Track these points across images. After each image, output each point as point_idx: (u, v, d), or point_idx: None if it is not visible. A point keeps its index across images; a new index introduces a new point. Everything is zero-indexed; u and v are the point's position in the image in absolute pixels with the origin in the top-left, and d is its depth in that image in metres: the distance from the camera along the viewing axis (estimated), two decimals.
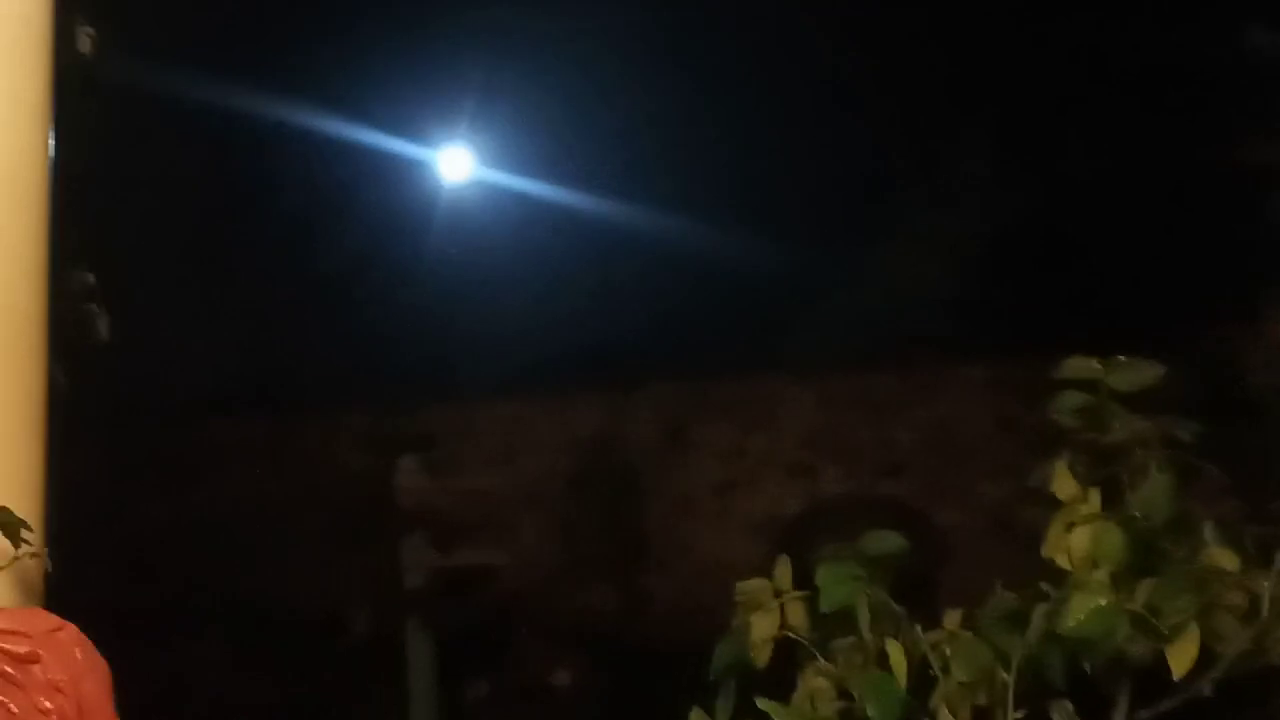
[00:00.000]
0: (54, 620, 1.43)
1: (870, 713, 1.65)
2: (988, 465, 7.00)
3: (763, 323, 7.76)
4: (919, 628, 1.84)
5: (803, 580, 1.87)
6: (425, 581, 6.68)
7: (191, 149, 6.30)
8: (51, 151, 1.79)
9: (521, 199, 8.12)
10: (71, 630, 1.42)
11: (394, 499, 6.93)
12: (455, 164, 8.26)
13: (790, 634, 1.79)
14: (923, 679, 1.82)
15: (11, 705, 1.35)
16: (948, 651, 1.82)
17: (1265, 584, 1.60)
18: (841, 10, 6.96)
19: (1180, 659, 1.63)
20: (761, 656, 1.77)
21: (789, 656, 1.82)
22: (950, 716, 1.79)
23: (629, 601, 7.79)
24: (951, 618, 1.86)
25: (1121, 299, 6.51)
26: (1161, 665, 1.66)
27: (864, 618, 1.71)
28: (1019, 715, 1.79)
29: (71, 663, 1.39)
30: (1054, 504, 1.79)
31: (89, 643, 1.44)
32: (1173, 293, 6.35)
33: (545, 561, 7.70)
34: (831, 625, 1.79)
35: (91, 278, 1.98)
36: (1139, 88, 6.49)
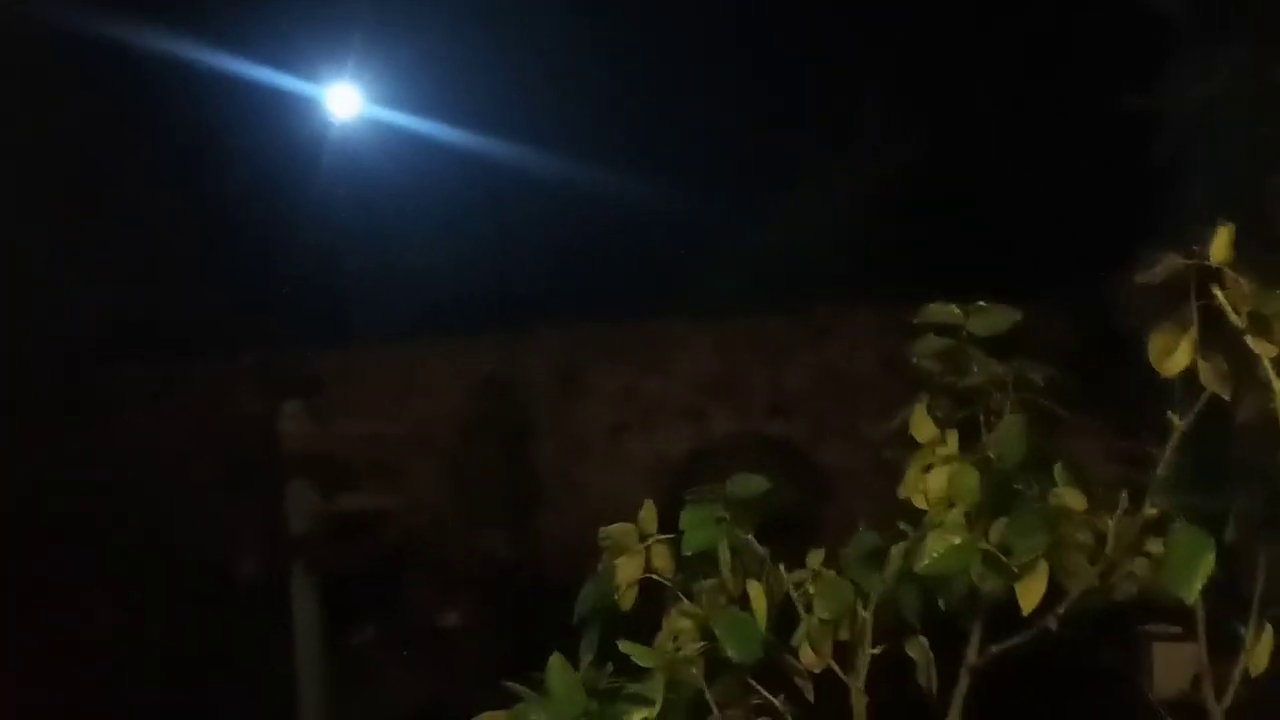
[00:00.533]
0: None
1: (730, 652, 1.67)
2: (873, 406, 7.11)
3: (657, 266, 7.77)
4: (782, 567, 1.86)
5: (672, 524, 1.88)
6: (314, 526, 6.60)
7: (70, 85, 6.05)
8: None
9: (413, 138, 7.97)
10: None
11: (282, 443, 6.82)
12: (344, 101, 8.07)
13: (655, 576, 1.79)
14: (789, 618, 1.84)
15: None
16: (810, 590, 1.84)
17: (1110, 522, 1.65)
18: None
19: (1029, 595, 1.67)
20: (626, 599, 1.78)
21: (656, 600, 1.83)
22: (811, 653, 1.82)
23: (521, 544, 7.80)
24: (814, 557, 1.88)
25: (1009, 242, 6.64)
26: (1012, 601, 1.71)
27: (725, 560, 1.73)
28: (876, 651, 1.82)
29: None
30: (913, 445, 1.81)
31: None
32: (1055, 236, 6.49)
33: (437, 505, 7.68)
34: (695, 568, 1.80)
35: None
36: (1025, 33, 6.58)
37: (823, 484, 7.33)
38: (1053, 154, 6.66)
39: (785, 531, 1.94)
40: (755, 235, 7.68)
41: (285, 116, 7.85)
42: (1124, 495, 1.64)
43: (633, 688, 1.60)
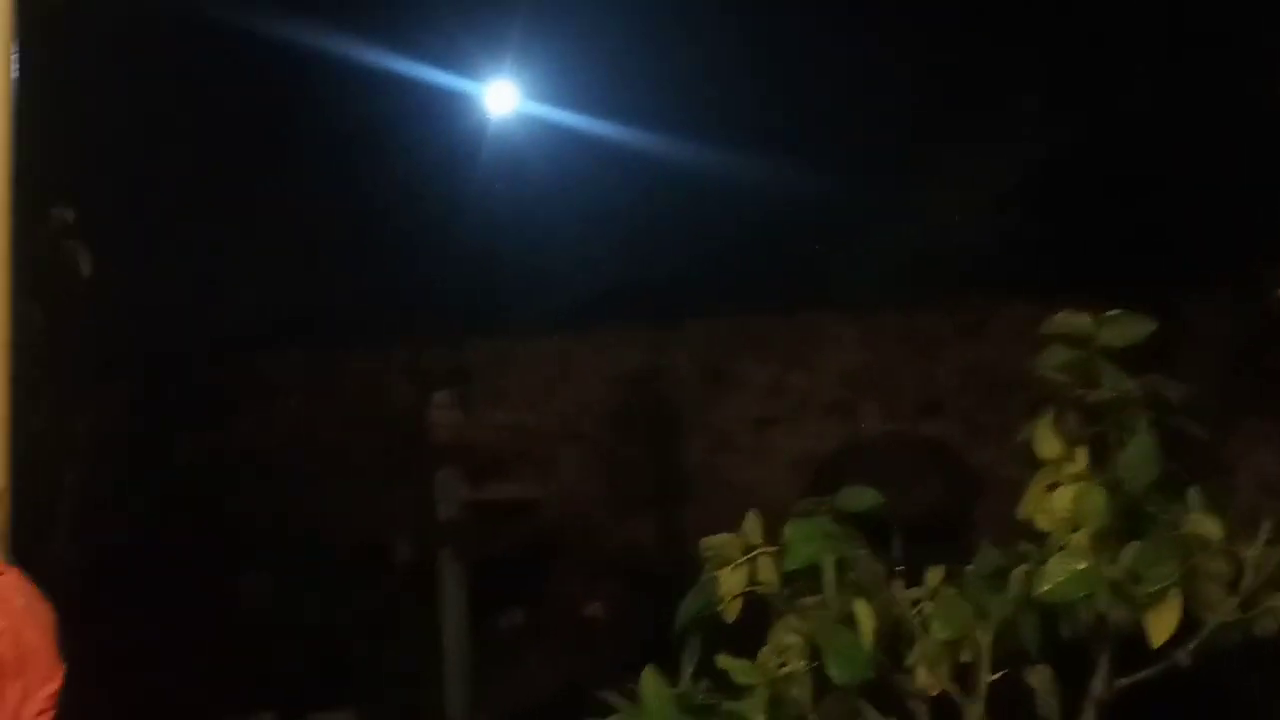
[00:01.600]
0: None
1: (830, 671, 1.61)
2: (1028, 405, 6.87)
3: (806, 259, 7.65)
4: (899, 584, 1.79)
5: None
6: (463, 513, 6.73)
7: (228, 79, 6.27)
8: (15, 88, 1.75)
9: (566, 133, 8.03)
10: (13, 576, 1.42)
11: (434, 432, 6.97)
12: (499, 96, 8.18)
13: (759, 589, 1.75)
14: (906, 636, 1.78)
15: None
16: (929, 609, 1.77)
17: (1250, 553, 1.53)
18: None
19: (1160, 627, 1.57)
20: (729, 612, 1.73)
21: (760, 612, 1.78)
22: (927, 675, 1.75)
23: (666, 536, 7.81)
24: (934, 575, 1.81)
25: (1172, 238, 6.33)
26: (1143, 632, 1.60)
27: (829, 575, 1.67)
28: (996, 676, 1.74)
29: (10, 610, 1.38)
30: (1038, 462, 1.72)
31: (31, 588, 1.43)
32: (1218, 228, 6.16)
33: (583, 496, 7.73)
34: (804, 582, 1.75)
35: (71, 214, 1.95)
36: (1181, 20, 6.25)
37: (973, 485, 7.12)
38: (1213, 143, 6.32)
39: (930, 534, 1.87)
40: (904, 227, 7.50)
41: (440, 112, 8.00)
42: (1266, 525, 1.52)
43: (730, 705, 1.56)
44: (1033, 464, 1.73)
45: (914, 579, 1.83)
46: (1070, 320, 1.71)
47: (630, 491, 7.81)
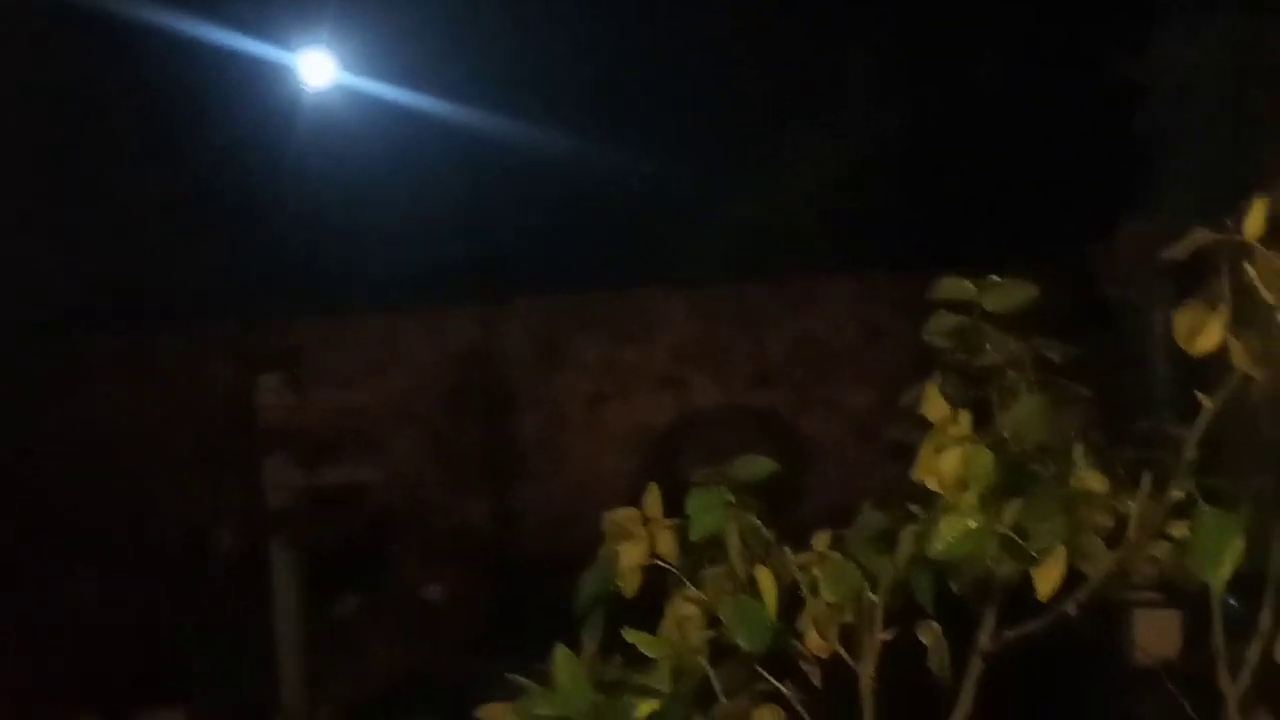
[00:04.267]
0: None
1: (740, 640, 1.62)
2: (854, 375, 7.09)
3: (636, 235, 7.70)
4: (788, 551, 1.81)
5: (674, 506, 1.82)
6: (293, 498, 6.53)
7: (40, 50, 5.90)
8: None
9: (389, 107, 7.85)
10: None
11: (260, 415, 6.72)
12: (318, 68, 7.94)
13: (660, 562, 1.73)
14: (793, 602, 1.79)
15: None
16: (816, 573, 1.79)
17: (1132, 506, 1.60)
18: None
19: (1047, 580, 1.62)
20: (630, 585, 1.72)
21: (659, 585, 1.77)
22: (818, 638, 1.77)
23: (502, 514, 7.76)
24: (820, 539, 1.83)
25: (987, 213, 6.61)
26: (1029, 586, 1.66)
27: (734, 545, 1.67)
28: (887, 635, 1.77)
29: None
30: (925, 426, 1.76)
31: None
32: (1037, 206, 6.46)
33: (417, 476, 7.61)
34: (701, 553, 1.74)
35: None
36: (1010, 2, 6.52)
37: (805, 455, 7.30)
38: (1036, 121, 6.62)
39: (773, 507, 1.89)
40: (732, 204, 7.62)
41: (260, 84, 7.71)
42: (1147, 478, 1.59)
43: (639, 679, 1.55)
44: (920, 427, 1.76)
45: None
46: (955, 286, 1.74)
47: (465, 470, 7.72)
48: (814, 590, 1.76)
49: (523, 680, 1.52)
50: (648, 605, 1.80)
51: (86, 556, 6.01)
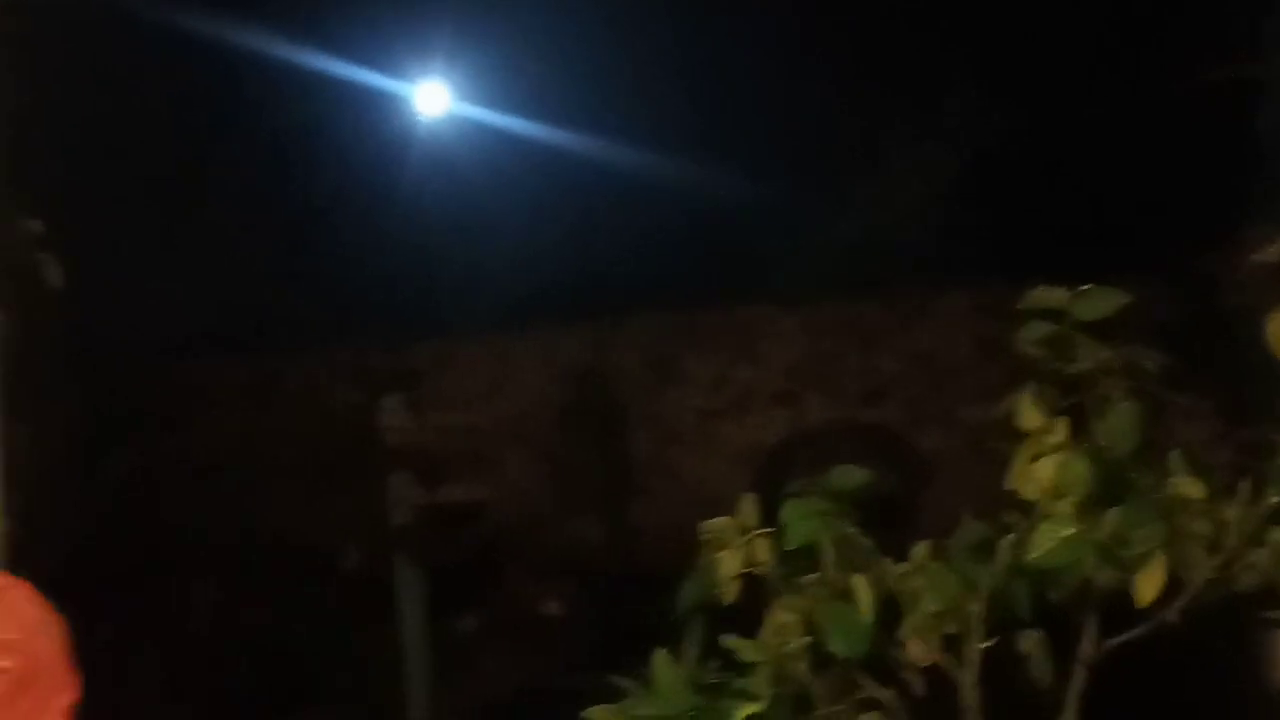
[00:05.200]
0: (5, 579, 1.41)
1: (834, 646, 1.65)
2: (970, 390, 7.00)
3: (746, 252, 7.73)
4: (888, 560, 1.84)
5: (774, 516, 1.86)
6: (413, 517, 6.70)
7: (158, 81, 6.17)
8: None
9: (500, 134, 8.03)
10: (24, 589, 1.41)
11: (381, 436, 6.92)
12: (432, 98, 8.16)
13: (756, 570, 1.78)
14: (893, 612, 1.82)
15: None
16: (917, 583, 1.81)
17: (1231, 512, 1.59)
18: None
19: (1146, 588, 1.63)
20: (729, 593, 1.77)
21: (757, 594, 1.82)
22: (920, 646, 1.79)
23: (616, 531, 7.83)
24: (921, 549, 1.86)
25: (1103, 221, 6.48)
26: (1129, 594, 1.66)
27: (828, 553, 1.71)
28: (988, 644, 1.79)
29: (24, 622, 1.37)
30: (1020, 435, 1.78)
31: (43, 600, 1.42)
32: (1154, 214, 6.31)
33: (532, 494, 7.73)
34: (798, 562, 1.78)
35: (39, 225, 1.93)
36: (1113, 5, 6.40)
37: (922, 470, 7.24)
38: (1147, 129, 6.48)
39: (884, 520, 1.92)
40: (841, 219, 7.60)
41: (375, 113, 7.95)
42: (1244, 485, 1.59)
43: (738, 683, 1.60)
44: (1015, 437, 1.78)
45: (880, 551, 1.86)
46: (1046, 295, 1.76)
47: (579, 488, 7.82)
48: (915, 599, 1.79)
49: (624, 682, 1.57)
50: (750, 613, 1.85)
51: (215, 576, 6.24)
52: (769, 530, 1.79)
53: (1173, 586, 1.63)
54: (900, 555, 1.85)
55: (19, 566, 1.50)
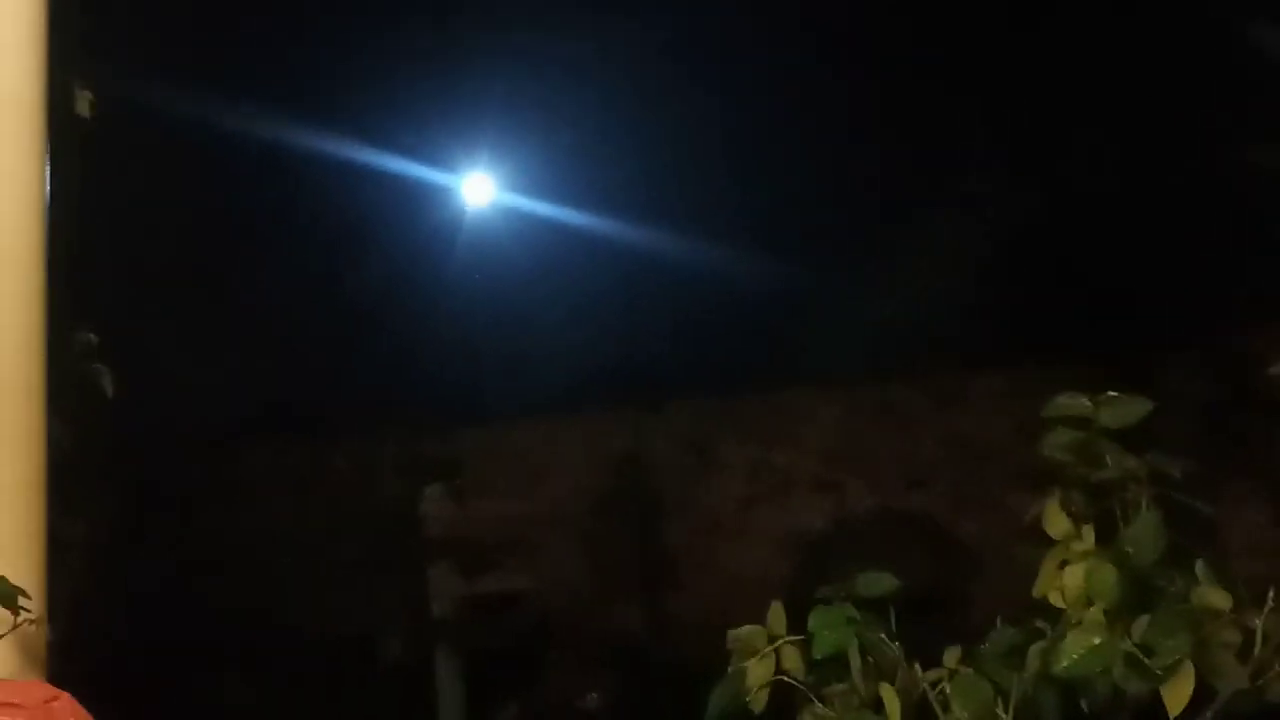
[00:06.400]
0: (49, 690, 1.45)
1: None
2: (1009, 474, 6.96)
3: (783, 338, 7.76)
4: (918, 666, 1.84)
5: (802, 621, 1.88)
6: (455, 607, 6.71)
7: (204, 185, 6.36)
8: (47, 214, 1.81)
9: (543, 223, 8.17)
10: (66, 700, 1.45)
11: (423, 525, 6.96)
12: (477, 189, 8.33)
13: (786, 679, 1.79)
14: (926, 717, 1.82)
15: None
16: (948, 690, 1.81)
17: (1259, 621, 1.59)
18: (847, 26, 6.97)
19: (1176, 697, 1.62)
20: (758, 702, 1.78)
21: (787, 701, 1.82)
22: None
23: (657, 620, 7.78)
24: (951, 655, 1.86)
25: (1138, 303, 6.46)
26: (1159, 703, 1.66)
27: (855, 664, 1.72)
28: None
29: None
30: (1047, 541, 1.78)
31: (84, 712, 1.46)
32: (1190, 296, 6.29)
33: (573, 583, 7.72)
34: (828, 668, 1.79)
35: (94, 337, 2.00)
36: (1148, 88, 6.44)
37: (964, 558, 7.16)
38: (1182, 207, 6.48)
39: (921, 610, 1.92)
40: (876, 303, 7.62)
41: (419, 205, 8.12)
42: (1272, 593, 1.59)
43: None
44: (1043, 542, 1.79)
45: (913, 652, 1.87)
46: (1070, 403, 1.78)
47: (620, 577, 7.80)
48: (945, 707, 1.79)
49: None
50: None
51: (256, 663, 6.26)
52: (798, 638, 1.80)
53: (1203, 695, 1.63)
54: (938, 645, 1.85)
55: (62, 676, 1.55)
